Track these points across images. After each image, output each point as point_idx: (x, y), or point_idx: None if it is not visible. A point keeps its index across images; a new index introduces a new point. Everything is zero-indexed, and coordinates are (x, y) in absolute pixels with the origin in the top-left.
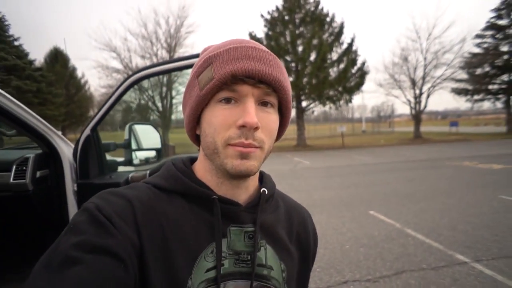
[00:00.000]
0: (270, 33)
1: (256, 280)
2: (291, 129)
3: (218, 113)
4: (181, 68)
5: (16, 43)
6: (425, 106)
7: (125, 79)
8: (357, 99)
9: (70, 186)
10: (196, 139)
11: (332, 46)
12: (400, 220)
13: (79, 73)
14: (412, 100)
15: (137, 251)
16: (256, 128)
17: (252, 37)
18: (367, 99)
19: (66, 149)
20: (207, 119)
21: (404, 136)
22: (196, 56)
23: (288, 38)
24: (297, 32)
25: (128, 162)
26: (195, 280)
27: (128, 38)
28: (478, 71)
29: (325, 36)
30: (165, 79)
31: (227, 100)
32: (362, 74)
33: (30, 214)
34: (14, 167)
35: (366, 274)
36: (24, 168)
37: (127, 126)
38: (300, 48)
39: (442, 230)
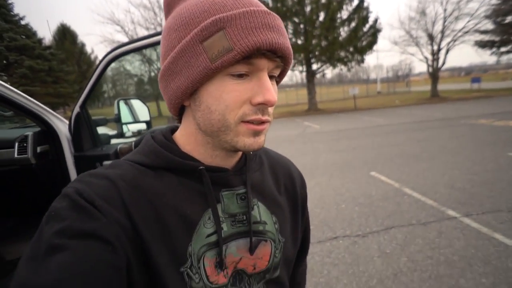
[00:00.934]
0: None
1: (254, 236)
2: (303, 93)
3: (230, 88)
4: (153, 45)
5: (22, 22)
6: (444, 63)
7: (102, 59)
8: (372, 59)
9: (70, 158)
10: (179, 111)
11: (342, 4)
12: (400, 180)
13: (88, 49)
14: (430, 57)
15: (127, 232)
16: (272, 104)
17: None
18: (384, 58)
19: (61, 125)
20: (214, 94)
21: (420, 95)
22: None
23: None
24: None
25: (120, 135)
26: (196, 246)
27: (130, 9)
28: (508, 19)
29: None
30: None
31: (240, 75)
32: (375, 32)
33: (36, 184)
34: (16, 144)
35: (356, 230)
36: (25, 144)
37: (115, 102)
38: (308, 9)
39: (440, 188)
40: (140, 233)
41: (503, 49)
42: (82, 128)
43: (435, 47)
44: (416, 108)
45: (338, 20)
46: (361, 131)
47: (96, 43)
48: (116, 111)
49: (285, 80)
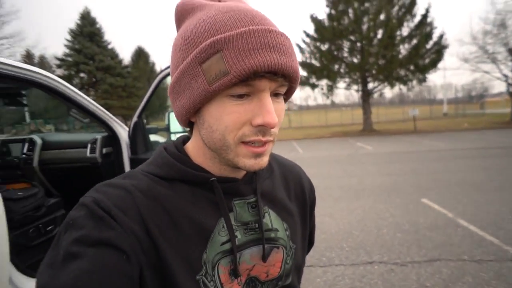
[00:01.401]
0: (333, 12)
1: (266, 243)
2: (359, 113)
3: (230, 109)
4: None
5: (109, 46)
6: None
7: (156, 76)
8: (439, 78)
9: (127, 160)
10: (187, 124)
11: (402, 20)
12: (455, 210)
13: (157, 68)
14: (510, 74)
15: (142, 242)
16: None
17: (314, 19)
18: (453, 76)
19: (123, 132)
20: (215, 114)
21: (496, 118)
22: None
23: (351, 16)
24: (362, 8)
25: None
26: (210, 253)
27: None
28: None
29: (395, 9)
30: None
31: (240, 96)
32: (439, 49)
33: (100, 179)
34: (89, 145)
35: (395, 258)
36: (95, 146)
37: (166, 114)
38: (365, 26)
39: (506, 224)
40: (155, 242)
41: None
42: (138, 135)
43: None
44: (488, 133)
45: (398, 38)
46: (417, 154)
47: (164, 62)
48: (166, 122)
49: (341, 99)
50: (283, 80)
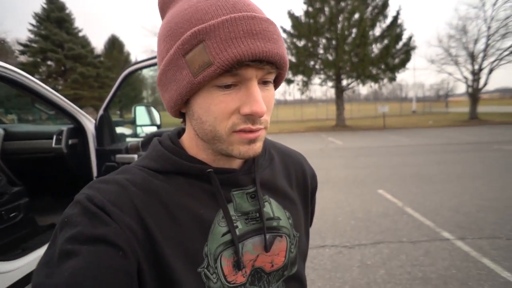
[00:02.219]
0: (310, 9)
1: (269, 232)
2: (334, 109)
3: (218, 100)
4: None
5: (80, 34)
6: (486, 83)
7: (120, 73)
8: (411, 77)
9: (93, 151)
10: (179, 115)
11: (375, 21)
12: (405, 199)
13: (132, 57)
14: (470, 76)
15: (138, 237)
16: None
17: (291, 15)
18: (425, 76)
19: (89, 124)
20: (203, 105)
21: (458, 117)
22: None
23: (327, 15)
24: (337, 7)
25: (134, 135)
26: (212, 245)
27: None
28: None
29: (368, 10)
30: None
31: (227, 86)
32: (408, 49)
33: (66, 169)
34: (54, 136)
35: (345, 242)
36: (60, 137)
37: (133, 107)
38: (340, 25)
39: (444, 211)
40: (152, 236)
41: None
42: (104, 127)
43: (476, 67)
44: (449, 130)
45: (371, 37)
46: (382, 149)
47: (139, 52)
48: (132, 115)
49: (318, 94)
50: (270, 68)
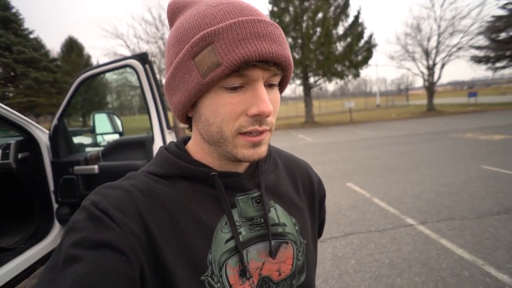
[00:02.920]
0: (275, 9)
1: (274, 238)
2: (302, 107)
3: (225, 101)
4: (118, 68)
5: (31, 36)
6: (439, 77)
7: (74, 80)
8: (374, 73)
9: (48, 164)
10: (186, 120)
11: (338, 20)
12: (372, 190)
13: (94, 61)
14: (425, 71)
15: (142, 242)
16: (269, 114)
17: None
18: (387, 72)
19: (42, 135)
20: (210, 107)
21: (417, 109)
22: (125, 58)
23: (292, 14)
24: (302, 7)
25: (95, 144)
26: (216, 253)
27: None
28: (502, 35)
29: (331, 9)
30: (161, 64)
31: (234, 88)
32: (370, 47)
33: (17, 186)
34: (0, 151)
35: None
36: (7, 151)
37: (91, 115)
38: (304, 24)
39: (407, 198)
40: (156, 242)
41: (498, 64)
42: (59, 137)
43: (431, 62)
44: (410, 122)
45: (334, 36)
46: (350, 144)
47: (100, 56)
48: (91, 123)
49: (287, 92)
50: (276, 69)
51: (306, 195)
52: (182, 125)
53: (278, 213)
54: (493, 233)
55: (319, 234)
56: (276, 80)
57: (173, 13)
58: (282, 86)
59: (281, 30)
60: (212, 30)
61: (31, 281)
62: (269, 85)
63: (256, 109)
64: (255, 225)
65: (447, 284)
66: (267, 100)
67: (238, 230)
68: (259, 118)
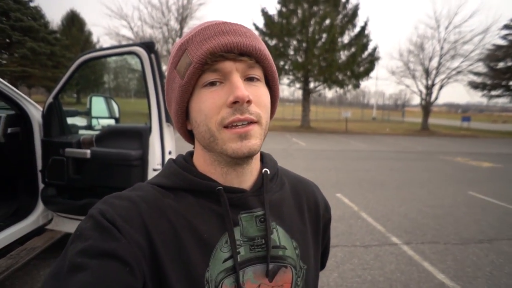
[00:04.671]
0: (283, 9)
1: (273, 261)
2: (299, 110)
3: (205, 97)
4: (123, 53)
5: (31, 4)
6: (436, 98)
7: (75, 60)
8: (373, 85)
9: (38, 142)
10: (189, 136)
11: (344, 28)
12: (360, 204)
13: (94, 38)
14: (424, 90)
15: (145, 254)
16: (249, 102)
17: (264, 13)
18: (386, 86)
19: (34, 111)
20: (196, 108)
21: (412, 126)
22: (131, 45)
23: (300, 17)
24: (310, 11)
25: (89, 127)
26: (213, 272)
27: (139, 7)
28: (500, 65)
29: (339, 17)
30: (163, 50)
31: (212, 83)
32: (372, 60)
33: (4, 161)
34: None
35: None
36: None
37: (88, 97)
38: (311, 29)
39: (394, 216)
40: (158, 256)
41: (493, 92)
42: (53, 116)
43: (430, 82)
44: (403, 139)
45: (339, 44)
46: (342, 153)
47: (102, 34)
48: (88, 105)
49: (286, 94)
50: (248, 59)
51: (311, 218)
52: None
53: (279, 235)
54: (474, 261)
55: (323, 264)
56: (255, 73)
57: None
58: (271, 84)
59: (251, 30)
60: (186, 38)
61: (7, 262)
62: (249, 79)
63: (232, 96)
64: (256, 246)
65: None
66: (241, 86)
67: (238, 250)
68: (239, 106)
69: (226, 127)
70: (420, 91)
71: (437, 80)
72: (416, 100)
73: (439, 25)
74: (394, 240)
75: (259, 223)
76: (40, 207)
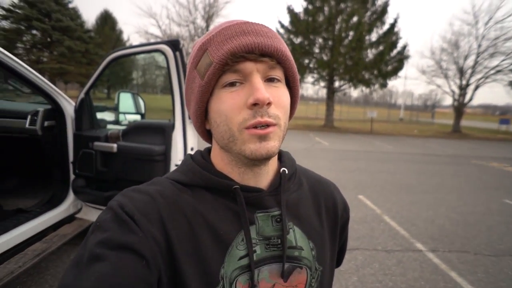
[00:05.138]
0: (310, 7)
1: (288, 261)
2: (323, 109)
3: (225, 98)
4: (149, 51)
5: (70, 5)
6: (471, 99)
7: (105, 57)
8: (402, 85)
9: (70, 135)
10: (207, 135)
11: (373, 25)
12: (384, 207)
13: (125, 36)
14: (457, 91)
15: (161, 248)
16: (269, 104)
17: (290, 11)
18: (415, 85)
19: (68, 106)
20: (215, 108)
21: (442, 128)
22: (157, 43)
23: (326, 14)
24: (337, 8)
25: (116, 122)
26: (228, 268)
27: (167, 6)
28: None
29: (368, 14)
30: (189, 48)
31: (232, 84)
32: (401, 58)
33: (40, 153)
34: (29, 117)
35: None
36: (35, 118)
37: (117, 93)
38: (337, 26)
39: (419, 221)
40: (174, 251)
41: None
42: (84, 112)
43: (464, 82)
44: (432, 141)
45: (367, 42)
46: (367, 154)
47: (132, 33)
48: (116, 101)
49: (309, 92)
50: (270, 60)
51: (329, 219)
52: None
53: (296, 236)
54: (509, 275)
55: (339, 262)
56: (276, 74)
57: None
58: (292, 85)
59: (271, 29)
60: (207, 39)
61: (42, 245)
62: (269, 80)
63: (252, 98)
64: (272, 245)
65: None
66: (262, 88)
67: (254, 248)
68: (259, 108)
69: (246, 128)
70: (453, 92)
71: (473, 80)
72: (448, 101)
73: (477, 21)
74: (419, 246)
75: (275, 223)
76: (71, 196)
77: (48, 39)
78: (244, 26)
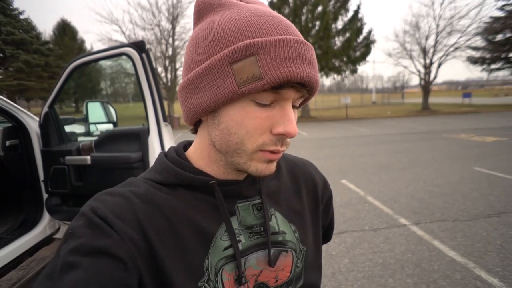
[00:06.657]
0: (275, 0)
1: (273, 247)
2: None
3: (253, 115)
4: (113, 56)
5: (21, 17)
6: (435, 77)
7: (66, 67)
8: (371, 69)
9: (38, 152)
10: (196, 123)
11: (337, 14)
12: (367, 188)
13: (87, 46)
14: (422, 70)
15: (140, 248)
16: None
17: None
18: (384, 69)
19: (32, 122)
20: (236, 117)
21: (413, 108)
22: (121, 46)
23: (291, 6)
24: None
25: (87, 133)
26: (213, 259)
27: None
28: (499, 37)
29: (331, 3)
30: (169, 50)
31: (264, 104)
32: (368, 43)
33: (5, 175)
34: None
35: None
36: None
37: (84, 103)
38: (304, 17)
39: (401, 198)
40: (154, 249)
41: (493, 66)
42: (50, 126)
43: (428, 61)
44: (405, 120)
45: (333, 30)
46: (345, 140)
47: (95, 41)
48: (84, 112)
49: None
50: (306, 92)
51: (309, 199)
52: (177, 115)
53: (278, 221)
54: (484, 236)
55: (328, 237)
56: (300, 102)
57: (205, 8)
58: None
59: (314, 52)
60: (259, 41)
61: (18, 273)
62: (293, 106)
63: (283, 129)
64: (255, 233)
65: (438, 286)
66: (294, 121)
67: (238, 238)
68: (283, 138)
69: (261, 150)
70: (419, 71)
71: (435, 58)
72: (415, 80)
73: (433, 2)
74: (403, 221)
75: (256, 211)
76: (46, 217)
77: (1, 55)
78: (303, 49)
